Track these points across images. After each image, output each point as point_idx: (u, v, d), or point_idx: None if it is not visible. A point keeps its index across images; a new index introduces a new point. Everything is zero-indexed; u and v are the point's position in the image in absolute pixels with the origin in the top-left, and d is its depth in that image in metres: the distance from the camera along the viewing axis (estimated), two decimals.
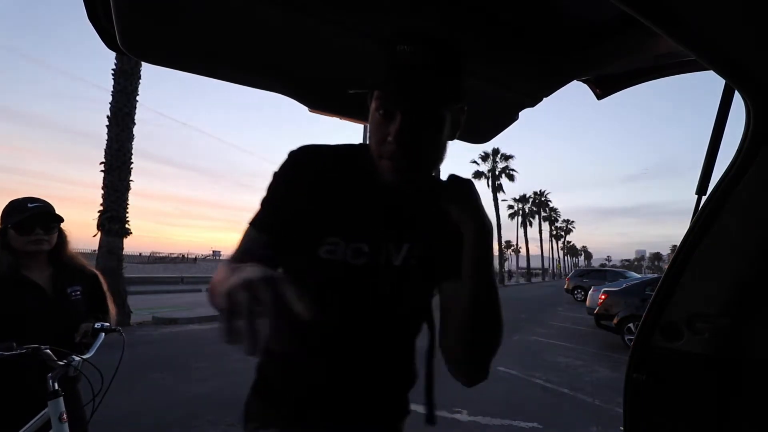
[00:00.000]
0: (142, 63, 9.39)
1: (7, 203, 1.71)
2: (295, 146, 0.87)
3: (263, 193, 0.83)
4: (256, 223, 0.83)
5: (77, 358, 1.62)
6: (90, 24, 0.84)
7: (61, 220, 1.76)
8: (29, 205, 1.68)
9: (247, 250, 0.81)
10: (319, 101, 1.07)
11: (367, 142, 0.81)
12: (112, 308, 1.94)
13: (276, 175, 0.83)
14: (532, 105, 1.16)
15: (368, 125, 0.79)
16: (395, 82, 0.73)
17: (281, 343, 0.49)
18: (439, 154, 0.80)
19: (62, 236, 1.80)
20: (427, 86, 0.72)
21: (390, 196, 0.84)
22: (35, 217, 1.67)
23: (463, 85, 0.78)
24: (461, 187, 0.80)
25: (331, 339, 0.83)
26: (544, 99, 1.15)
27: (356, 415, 0.85)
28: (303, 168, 0.83)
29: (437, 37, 0.73)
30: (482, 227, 0.77)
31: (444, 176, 0.85)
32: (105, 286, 1.95)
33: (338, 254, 0.81)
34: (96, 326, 1.73)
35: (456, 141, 1.32)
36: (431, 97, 0.73)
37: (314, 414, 0.84)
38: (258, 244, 0.82)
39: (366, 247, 0.82)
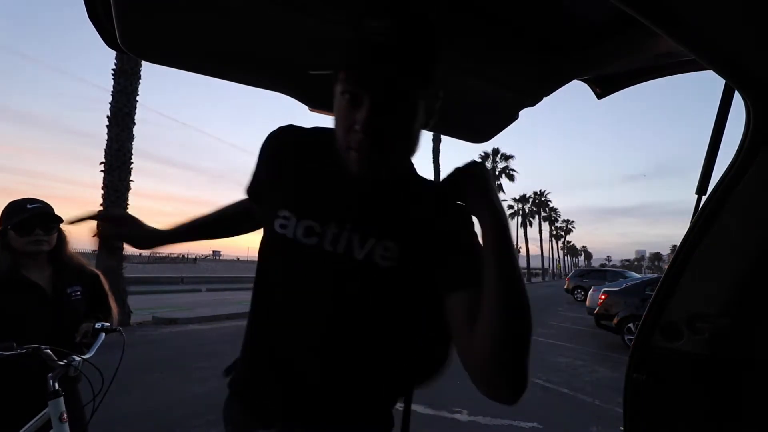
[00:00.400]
0: (142, 63, 9.40)
1: (6, 204, 1.71)
2: None
3: None
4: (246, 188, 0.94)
5: (77, 358, 1.62)
6: (90, 23, 0.84)
7: (61, 220, 1.76)
8: (28, 206, 1.68)
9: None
10: (320, 100, 1.07)
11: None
12: (114, 307, 1.94)
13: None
14: (532, 104, 1.16)
15: (333, 112, 0.72)
16: (362, 61, 0.64)
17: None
18: (411, 145, 0.73)
19: (62, 236, 1.80)
20: (398, 67, 0.63)
21: (361, 185, 0.77)
22: (35, 217, 1.67)
23: (438, 68, 0.70)
24: (469, 171, 0.74)
25: (294, 327, 0.77)
26: (544, 98, 1.14)
27: (330, 418, 0.77)
28: (274, 142, 0.85)
29: (409, 11, 0.65)
30: (495, 215, 0.70)
31: (430, 172, 0.81)
32: (106, 286, 1.95)
33: (289, 230, 0.76)
34: (96, 326, 1.73)
35: (456, 140, 1.33)
36: (403, 79, 0.64)
37: (289, 414, 0.76)
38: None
39: (317, 227, 0.75)
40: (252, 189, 0.91)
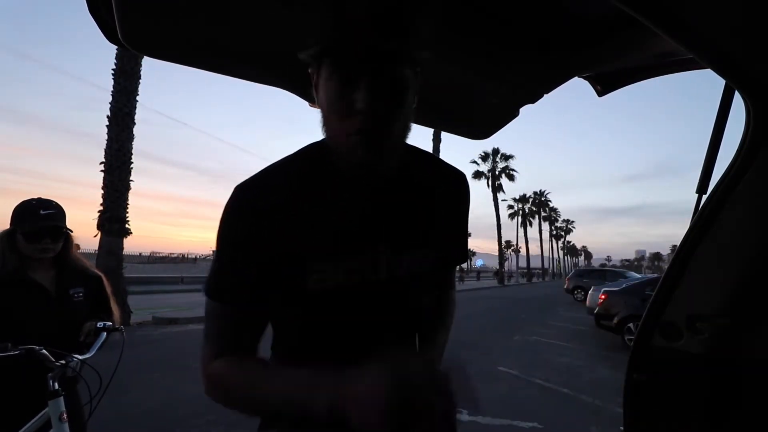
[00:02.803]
0: (142, 63, 9.40)
1: (18, 204, 1.71)
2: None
3: (214, 256, 0.72)
4: (218, 295, 0.71)
5: (75, 359, 1.62)
6: (91, 19, 0.84)
7: (70, 231, 1.77)
8: (42, 212, 1.69)
9: (227, 337, 0.72)
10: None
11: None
12: (115, 310, 1.94)
13: (222, 231, 0.70)
14: (533, 101, 1.16)
15: (320, 101, 0.68)
16: (353, 41, 0.62)
17: None
18: (407, 123, 0.70)
19: (67, 239, 1.80)
20: (389, 43, 0.62)
21: (370, 199, 0.75)
22: (47, 229, 1.68)
23: (414, 41, 0.66)
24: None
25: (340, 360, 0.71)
26: (545, 96, 1.15)
27: None
28: (252, 211, 0.69)
29: None
30: None
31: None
32: (109, 288, 1.95)
33: (331, 279, 0.72)
34: (98, 325, 1.74)
35: (456, 138, 1.32)
36: (395, 55, 0.63)
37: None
38: (233, 323, 0.72)
39: (356, 264, 0.73)
40: (237, 283, 0.71)
